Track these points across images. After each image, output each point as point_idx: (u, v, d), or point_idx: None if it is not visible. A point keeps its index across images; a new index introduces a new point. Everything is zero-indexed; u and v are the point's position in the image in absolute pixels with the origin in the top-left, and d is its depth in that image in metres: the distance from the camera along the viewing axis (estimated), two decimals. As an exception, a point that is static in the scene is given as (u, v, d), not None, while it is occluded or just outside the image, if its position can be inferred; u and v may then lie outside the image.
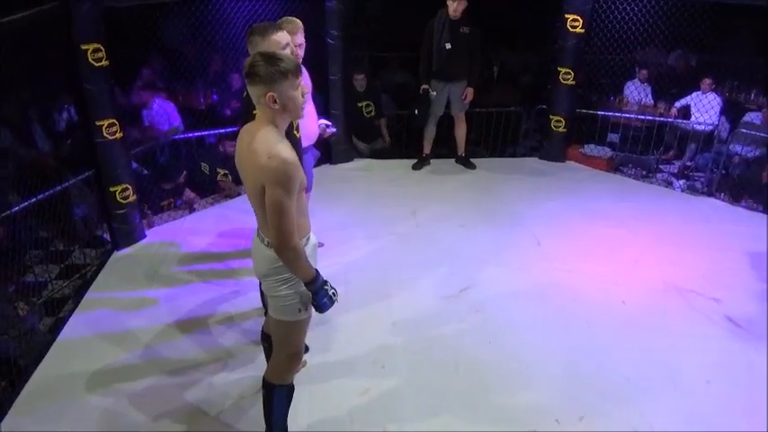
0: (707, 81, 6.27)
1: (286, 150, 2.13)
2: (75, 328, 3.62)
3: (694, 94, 6.38)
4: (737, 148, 5.84)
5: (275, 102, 2.13)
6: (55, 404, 3.04)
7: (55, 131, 5.18)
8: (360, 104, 6.10)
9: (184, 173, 5.38)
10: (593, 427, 2.91)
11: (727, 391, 3.14)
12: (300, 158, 2.68)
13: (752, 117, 6.08)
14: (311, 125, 3.65)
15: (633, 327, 3.61)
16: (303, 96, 2.23)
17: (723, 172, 5.65)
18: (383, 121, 6.34)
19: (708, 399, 3.09)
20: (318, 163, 5.43)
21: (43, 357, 3.37)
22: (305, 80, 2.69)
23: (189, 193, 5.27)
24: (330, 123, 3.85)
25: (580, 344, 3.47)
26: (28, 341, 3.58)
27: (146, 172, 5.15)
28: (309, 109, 3.58)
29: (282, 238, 2.15)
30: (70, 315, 3.74)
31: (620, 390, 3.14)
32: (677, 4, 5.45)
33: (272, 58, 2.13)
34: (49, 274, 4.23)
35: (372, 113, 6.18)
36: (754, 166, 5.66)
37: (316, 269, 2.31)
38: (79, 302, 3.85)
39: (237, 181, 5.00)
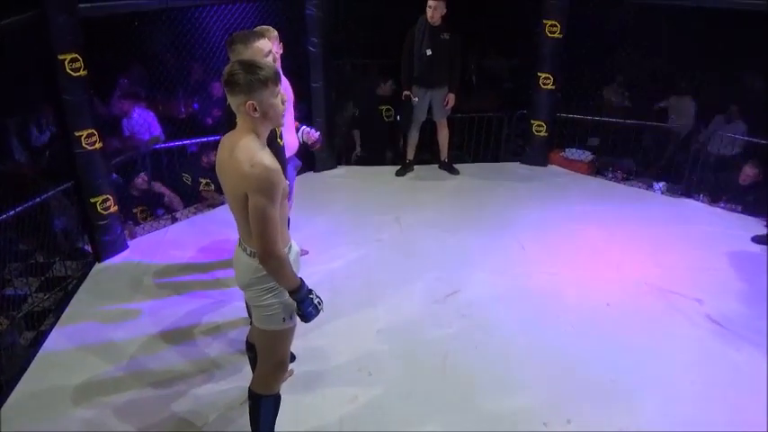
0: (683, 85, 6.36)
1: (268, 158, 2.12)
2: (58, 341, 3.57)
3: (671, 98, 6.47)
4: (714, 150, 5.93)
5: (255, 110, 2.12)
6: (37, 419, 2.98)
7: (33, 143, 5.09)
8: (381, 108, 6.22)
9: (144, 177, 5.20)
10: (581, 429, 2.93)
11: (711, 390, 3.18)
12: (284, 167, 2.67)
13: (720, 119, 6.19)
14: (290, 136, 3.62)
15: (617, 328, 3.65)
16: (283, 104, 2.22)
17: (700, 174, 5.72)
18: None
19: (693, 398, 3.13)
20: (301, 171, 5.41)
21: (25, 372, 3.31)
22: (285, 90, 2.68)
23: (163, 189, 5.15)
24: (311, 129, 3.68)
25: (566, 346, 3.49)
26: (8, 356, 3.51)
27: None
28: (288, 119, 3.55)
29: (266, 246, 2.14)
30: (52, 328, 3.68)
31: (606, 391, 3.16)
32: (651, 9, 5.54)
33: (251, 67, 2.12)
34: (29, 287, 4.15)
35: (392, 118, 6.24)
36: (730, 167, 5.75)
37: (300, 278, 2.30)
38: (61, 315, 3.80)
39: (220, 190, 4.94)
